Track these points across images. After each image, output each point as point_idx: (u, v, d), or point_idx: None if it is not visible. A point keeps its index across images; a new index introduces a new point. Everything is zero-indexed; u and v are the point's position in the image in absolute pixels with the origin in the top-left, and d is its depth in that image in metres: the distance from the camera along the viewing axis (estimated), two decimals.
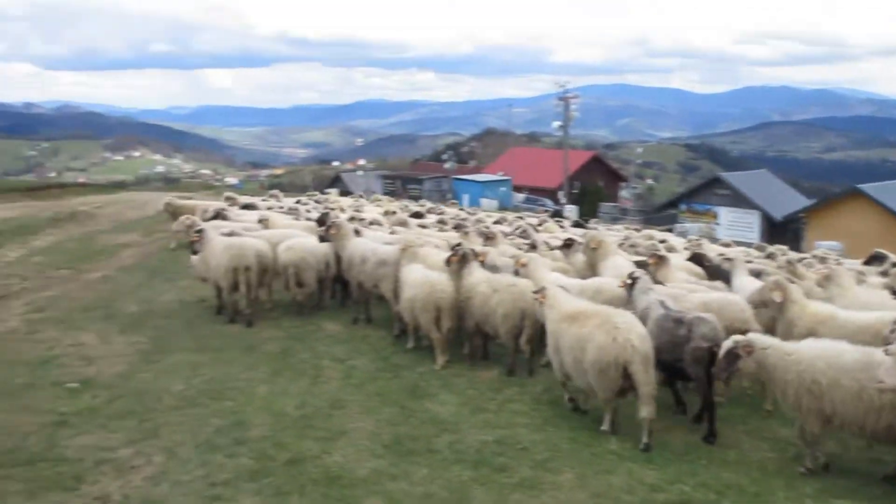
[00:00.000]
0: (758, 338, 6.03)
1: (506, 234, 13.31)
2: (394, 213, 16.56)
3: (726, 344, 6.02)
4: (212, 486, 5.41)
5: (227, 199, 18.09)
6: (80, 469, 5.52)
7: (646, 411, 6.23)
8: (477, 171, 65.33)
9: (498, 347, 8.77)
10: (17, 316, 10.04)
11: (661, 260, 9.22)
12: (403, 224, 14.03)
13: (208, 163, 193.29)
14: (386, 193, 43.36)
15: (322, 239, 10.30)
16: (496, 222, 17.51)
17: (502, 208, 41.39)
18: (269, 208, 16.56)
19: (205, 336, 9.44)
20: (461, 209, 22.37)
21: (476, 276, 8.44)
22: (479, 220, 16.54)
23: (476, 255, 8.80)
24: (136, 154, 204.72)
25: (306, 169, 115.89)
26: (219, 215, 13.89)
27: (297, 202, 18.57)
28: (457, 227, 13.47)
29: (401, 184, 57.98)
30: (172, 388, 7.42)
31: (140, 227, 19.20)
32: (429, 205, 22.03)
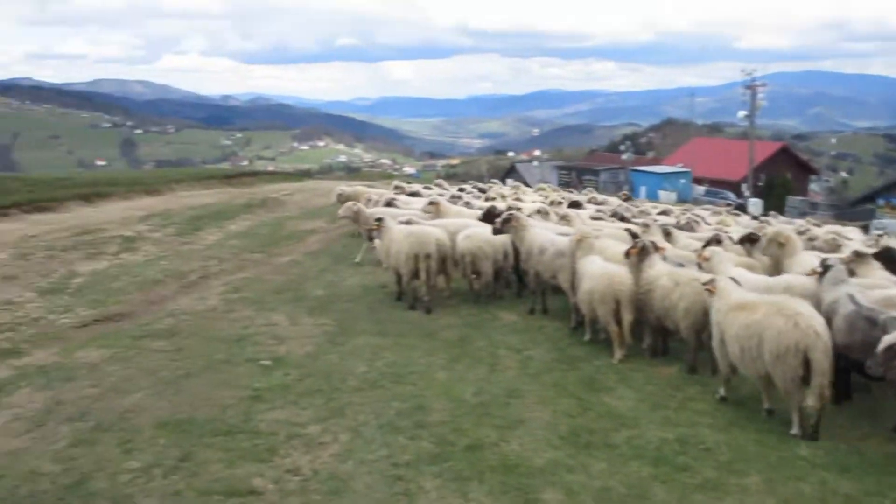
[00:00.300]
0: None
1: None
2: (559, 203, 17.55)
3: (887, 338, 6.30)
4: (394, 466, 6.31)
5: (396, 187, 20.85)
6: (274, 442, 6.69)
7: (813, 400, 6.68)
8: (655, 162, 71.11)
9: (678, 343, 9.39)
10: (217, 295, 12.02)
11: (859, 257, 9.37)
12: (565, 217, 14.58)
13: (388, 152, 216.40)
14: (561, 184, 46.09)
15: (496, 231, 11.38)
16: (661, 213, 18.28)
17: (681, 201, 43.22)
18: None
19: (386, 321, 10.83)
20: (625, 200, 22.49)
21: (657, 268, 9.17)
22: (642, 212, 17.67)
23: (656, 247, 9.53)
24: (321, 144, 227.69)
25: (482, 159, 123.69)
26: (389, 203, 16.03)
27: (460, 190, 20.94)
28: (615, 217, 14.81)
29: (576, 175, 62.69)
30: (356, 370, 8.62)
31: (325, 214, 21.46)
32: (591, 195, 22.52)
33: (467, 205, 16.07)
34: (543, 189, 24.76)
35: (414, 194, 19.19)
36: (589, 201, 19.96)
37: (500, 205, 14.97)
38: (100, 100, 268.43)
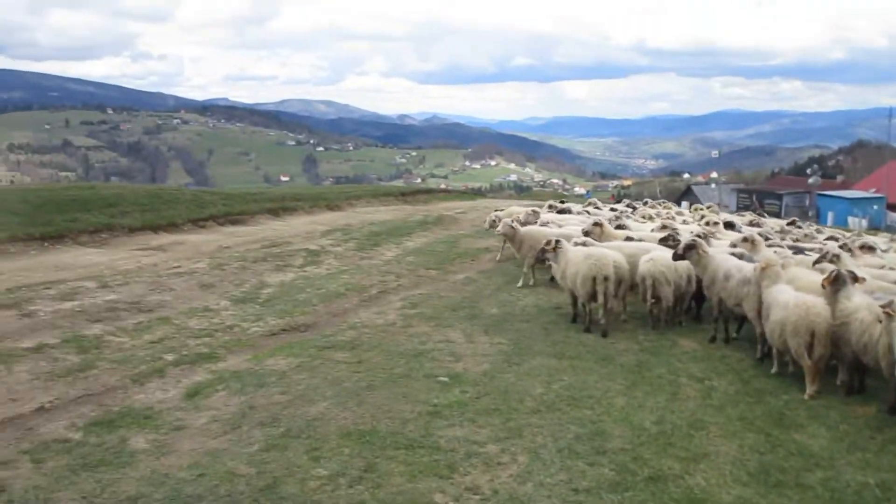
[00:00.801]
0: None
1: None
2: (716, 223, 16.70)
3: None
4: (574, 491, 6.22)
5: (549, 206, 21.02)
6: (453, 459, 6.78)
7: None
8: (845, 186, 68.18)
9: (877, 381, 8.72)
10: (395, 310, 12.38)
11: None
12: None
13: (559, 172, 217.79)
14: (740, 208, 44.21)
15: (677, 257, 11.05)
16: (828, 238, 16.35)
17: (873, 228, 40.77)
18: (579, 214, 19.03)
19: (561, 343, 10.75)
20: (790, 224, 20.59)
21: (855, 301, 8.53)
22: (807, 236, 16.63)
23: (855, 278, 8.91)
24: (493, 163, 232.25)
25: (655, 180, 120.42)
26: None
27: (611, 210, 20.57)
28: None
29: (756, 198, 61.13)
30: (533, 391, 8.60)
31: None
32: (749, 217, 21.12)
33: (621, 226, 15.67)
34: (699, 209, 23.65)
35: (564, 212, 19.23)
36: (750, 223, 18.93)
37: (682, 227, 14.54)
38: (286, 119, 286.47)
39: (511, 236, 14.56)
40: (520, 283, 14.58)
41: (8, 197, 19.85)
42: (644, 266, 11.28)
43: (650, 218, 18.93)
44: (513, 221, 15.08)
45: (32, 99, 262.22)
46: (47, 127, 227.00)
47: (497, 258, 17.30)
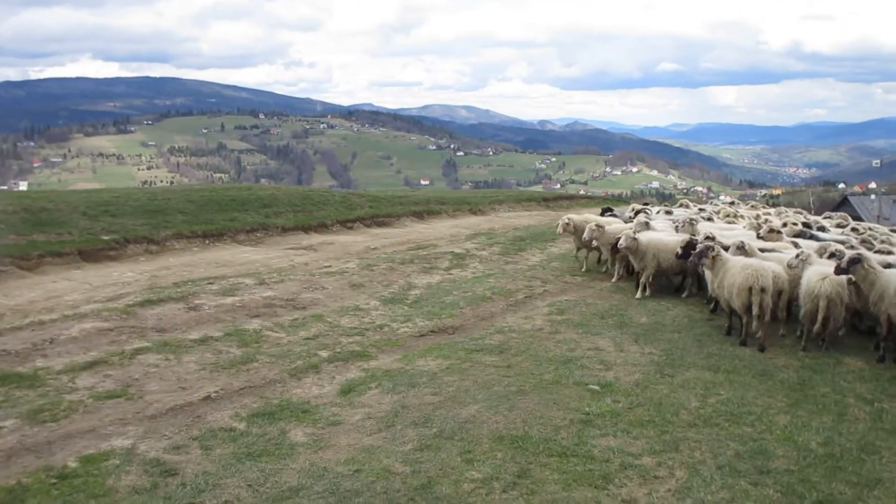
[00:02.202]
0: None
1: None
2: (794, 224, 16.05)
3: None
4: None
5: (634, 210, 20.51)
6: (608, 469, 6.64)
7: None
8: None
9: None
10: (542, 316, 12.31)
11: None
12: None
13: (703, 180, 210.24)
14: None
15: (840, 271, 10.36)
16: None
17: None
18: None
19: (715, 355, 10.35)
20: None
21: None
22: (864, 241, 14.28)
23: None
24: (634, 169, 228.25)
25: (808, 190, 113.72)
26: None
27: (700, 210, 20.40)
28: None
29: None
30: (688, 404, 8.31)
31: None
32: (840, 220, 19.28)
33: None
34: (784, 212, 21.79)
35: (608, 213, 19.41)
36: (838, 226, 17.74)
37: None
38: (428, 123, 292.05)
39: (633, 248, 14.06)
40: (638, 295, 14.07)
41: (175, 197, 21.17)
42: (818, 285, 10.60)
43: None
44: (634, 233, 14.43)
45: (192, 105, 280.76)
46: (205, 131, 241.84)
47: (582, 268, 16.88)
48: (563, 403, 8.21)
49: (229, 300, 12.25)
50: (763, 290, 10.59)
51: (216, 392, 8.39)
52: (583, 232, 15.95)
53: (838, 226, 17.91)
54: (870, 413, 8.26)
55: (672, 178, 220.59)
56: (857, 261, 10.23)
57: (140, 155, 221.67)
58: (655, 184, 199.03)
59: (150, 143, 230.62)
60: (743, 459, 6.91)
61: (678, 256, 12.78)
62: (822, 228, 16.46)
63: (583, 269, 16.70)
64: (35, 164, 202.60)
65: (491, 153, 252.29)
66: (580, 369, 9.45)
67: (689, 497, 6.17)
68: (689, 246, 12.39)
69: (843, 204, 70.28)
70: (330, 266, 15.62)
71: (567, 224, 16.62)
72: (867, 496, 6.27)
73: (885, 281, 10.09)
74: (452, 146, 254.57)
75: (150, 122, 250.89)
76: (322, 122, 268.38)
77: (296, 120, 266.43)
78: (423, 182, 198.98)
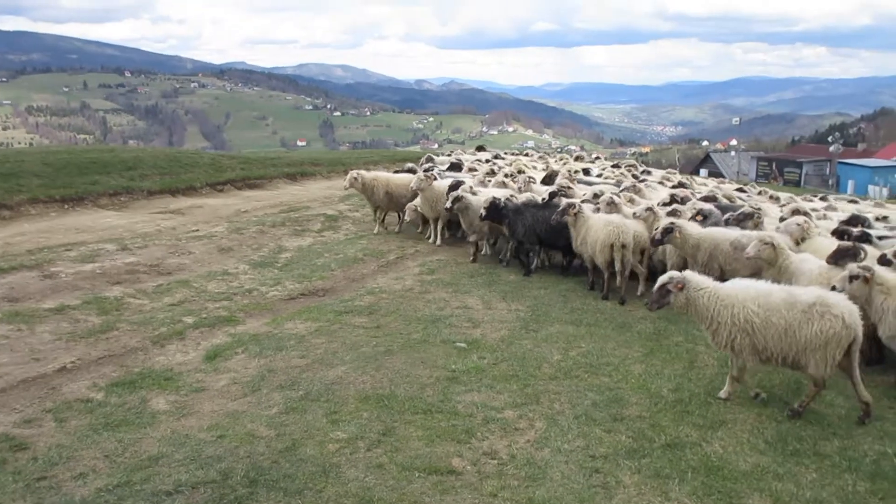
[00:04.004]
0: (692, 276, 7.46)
1: None
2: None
3: (661, 279, 7.46)
4: (591, 458, 6.23)
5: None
6: (471, 424, 6.80)
7: None
8: (867, 155, 68.15)
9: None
10: (413, 276, 12.40)
11: None
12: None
13: (576, 138, 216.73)
14: (760, 176, 44.15)
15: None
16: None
17: (894, 197, 41.47)
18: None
19: (579, 310, 10.76)
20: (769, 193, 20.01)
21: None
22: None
23: None
24: (510, 129, 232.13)
25: (674, 148, 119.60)
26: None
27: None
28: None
29: (776, 166, 61.50)
30: (551, 358, 8.61)
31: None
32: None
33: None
34: (671, 176, 22.64)
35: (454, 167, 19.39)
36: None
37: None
38: (304, 83, 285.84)
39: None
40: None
41: (29, 158, 19.89)
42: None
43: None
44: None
45: (51, 62, 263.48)
46: (66, 89, 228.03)
47: (375, 230, 16.27)
48: (430, 362, 8.33)
49: (88, 267, 11.73)
50: (624, 246, 11.06)
51: (72, 362, 8.04)
52: (371, 190, 15.61)
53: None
54: (717, 360, 8.72)
55: (547, 137, 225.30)
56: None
57: None
58: (531, 143, 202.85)
59: (5, 101, 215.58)
60: (599, 408, 7.22)
61: (482, 218, 12.73)
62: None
63: (375, 231, 16.14)
64: None
65: (368, 113, 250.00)
66: (448, 328, 9.60)
67: (546, 447, 6.40)
68: (492, 207, 12.49)
69: (706, 161, 73.97)
70: (198, 230, 15.18)
71: (355, 180, 15.58)
72: (711, 437, 6.67)
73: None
74: (329, 106, 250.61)
75: (3, 80, 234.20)
76: (193, 81, 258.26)
77: (165, 79, 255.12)
78: (299, 143, 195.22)
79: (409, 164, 19.29)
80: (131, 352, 8.48)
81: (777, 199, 17.22)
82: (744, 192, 19.28)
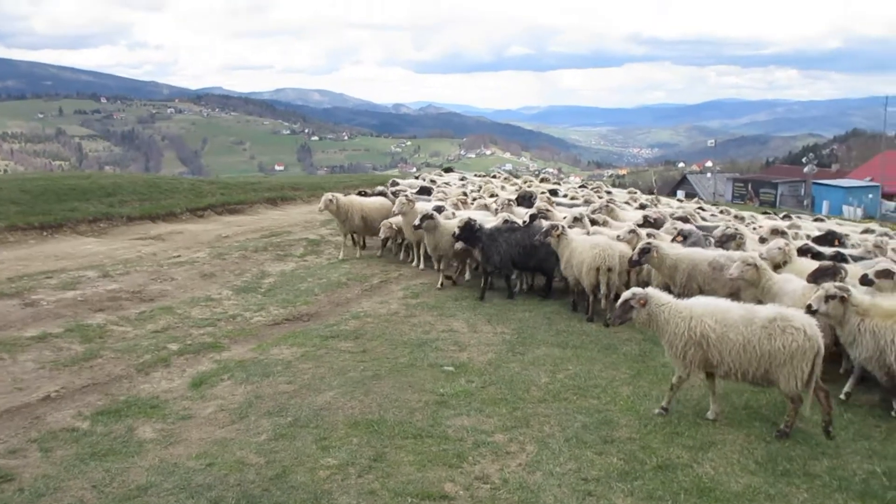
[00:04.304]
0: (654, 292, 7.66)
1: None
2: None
3: (624, 294, 7.69)
4: (584, 481, 6.23)
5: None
6: (462, 448, 6.78)
7: None
8: (840, 175, 69.23)
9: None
10: (397, 300, 12.41)
11: None
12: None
13: (554, 161, 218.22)
14: (736, 197, 45.14)
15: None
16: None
17: (867, 217, 41.90)
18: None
19: (564, 332, 10.80)
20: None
21: None
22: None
23: None
24: (488, 152, 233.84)
25: (651, 170, 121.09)
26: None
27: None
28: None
29: (752, 187, 62.74)
30: (539, 381, 8.64)
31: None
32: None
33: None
34: (633, 196, 23.20)
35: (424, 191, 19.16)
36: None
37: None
38: (281, 108, 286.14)
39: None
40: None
41: (6, 186, 19.73)
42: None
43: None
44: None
45: (26, 88, 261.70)
46: (41, 116, 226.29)
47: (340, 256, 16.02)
48: (419, 386, 8.31)
49: (70, 294, 11.62)
50: (610, 269, 11.13)
51: (56, 391, 7.94)
52: (346, 214, 15.37)
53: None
54: (704, 381, 8.79)
55: (525, 159, 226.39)
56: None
57: None
58: (509, 166, 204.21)
59: None
60: (589, 430, 7.23)
61: (455, 238, 12.48)
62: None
63: (341, 257, 15.86)
64: None
65: (346, 137, 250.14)
66: (435, 351, 9.60)
67: (538, 470, 6.39)
68: (467, 227, 12.37)
69: (682, 182, 74.86)
70: (179, 256, 15.09)
71: (330, 202, 15.33)
72: (702, 458, 6.68)
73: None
74: (307, 131, 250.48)
75: None
76: (169, 107, 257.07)
77: (141, 104, 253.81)
78: (277, 168, 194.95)
79: (379, 188, 19.24)
80: (116, 380, 8.38)
81: (742, 219, 17.60)
82: (703, 209, 19.81)
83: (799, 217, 20.92)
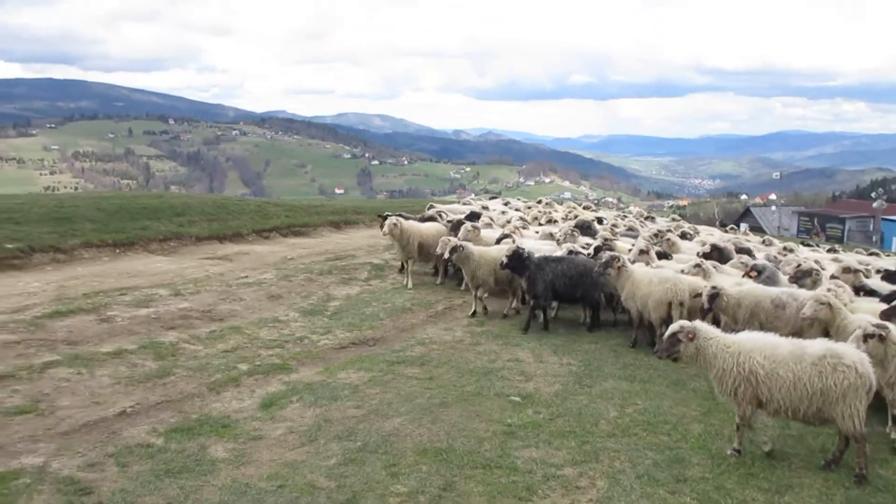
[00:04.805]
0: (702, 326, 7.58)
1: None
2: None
3: (672, 327, 7.64)
4: None
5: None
6: (531, 481, 6.74)
7: None
8: None
9: None
10: (462, 327, 12.44)
11: None
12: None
13: (613, 190, 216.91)
14: (801, 231, 44.00)
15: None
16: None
17: None
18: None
19: (631, 365, 10.67)
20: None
21: None
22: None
23: None
24: (547, 180, 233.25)
25: (713, 201, 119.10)
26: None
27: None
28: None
29: (818, 221, 61.39)
30: (607, 414, 8.53)
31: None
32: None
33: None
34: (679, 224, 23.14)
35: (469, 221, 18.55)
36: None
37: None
38: (343, 132, 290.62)
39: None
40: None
41: (83, 204, 20.40)
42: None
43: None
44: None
45: (99, 109, 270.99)
46: (111, 136, 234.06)
47: (408, 285, 15.72)
48: (486, 415, 8.29)
49: (143, 312, 11.89)
50: (682, 303, 10.94)
51: (132, 407, 8.13)
52: (407, 240, 15.37)
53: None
54: (777, 420, 8.53)
55: (584, 188, 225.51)
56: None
57: (42, 159, 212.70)
58: (567, 194, 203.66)
59: (53, 146, 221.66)
60: (661, 468, 7.11)
61: (503, 266, 12.41)
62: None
63: (409, 286, 15.56)
64: None
65: (406, 162, 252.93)
66: (501, 381, 9.56)
67: None
68: (516, 256, 12.30)
69: (745, 215, 73.50)
70: (247, 276, 15.34)
71: (394, 226, 15.26)
72: (779, 501, 6.53)
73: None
74: (367, 155, 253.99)
75: (52, 126, 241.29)
76: (234, 129, 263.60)
77: (207, 126, 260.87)
78: (337, 191, 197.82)
79: (430, 212, 19.32)
80: (188, 397, 8.55)
81: (790, 251, 17.50)
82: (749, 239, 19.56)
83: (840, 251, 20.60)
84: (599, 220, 20.72)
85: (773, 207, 75.68)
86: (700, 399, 9.23)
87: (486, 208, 22.21)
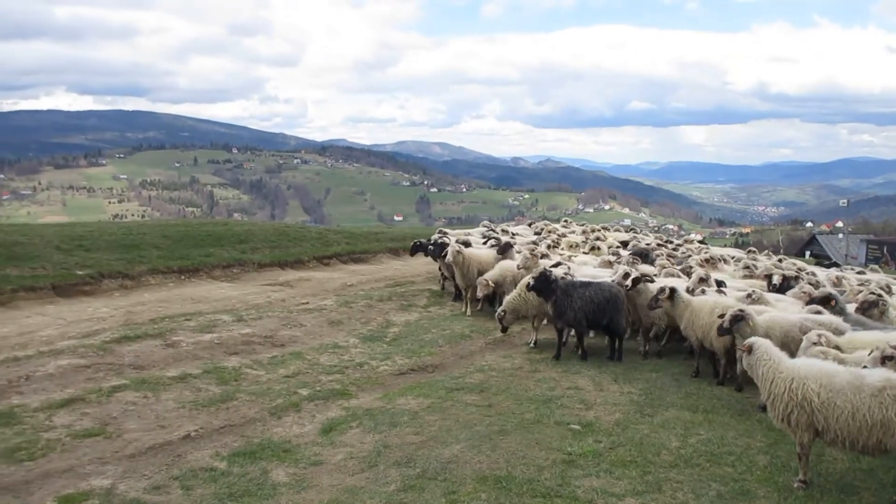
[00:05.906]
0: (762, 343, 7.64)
1: None
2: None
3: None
4: None
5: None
6: None
7: None
8: None
9: None
10: (521, 354, 12.40)
11: None
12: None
13: (674, 218, 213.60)
14: (870, 260, 42.82)
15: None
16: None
17: None
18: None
19: (694, 394, 10.47)
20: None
21: None
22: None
23: None
24: (606, 207, 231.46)
25: (777, 228, 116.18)
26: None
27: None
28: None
29: (887, 250, 59.41)
30: (669, 444, 8.39)
31: None
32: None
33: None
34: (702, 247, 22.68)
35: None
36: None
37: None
38: (402, 160, 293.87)
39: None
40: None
41: (150, 231, 21.02)
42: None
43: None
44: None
45: (165, 139, 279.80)
46: (177, 165, 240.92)
47: (466, 312, 15.77)
48: (546, 443, 8.23)
49: (207, 337, 12.17)
50: None
51: (196, 431, 8.31)
52: (467, 267, 15.39)
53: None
54: (847, 453, 8.34)
55: (644, 215, 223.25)
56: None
57: (111, 188, 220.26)
58: (627, 221, 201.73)
59: (122, 176, 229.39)
60: (725, 500, 6.97)
61: (529, 288, 12.27)
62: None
63: (467, 313, 15.63)
64: (4, 197, 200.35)
65: (464, 190, 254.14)
66: (561, 409, 9.49)
67: None
68: (542, 278, 12.12)
69: (811, 243, 71.65)
70: (307, 303, 15.57)
71: (458, 253, 15.35)
72: None
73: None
74: (426, 182, 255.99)
75: (121, 156, 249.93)
76: (296, 158, 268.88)
77: (269, 155, 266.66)
78: (396, 218, 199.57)
79: (465, 237, 19.19)
80: (250, 422, 8.70)
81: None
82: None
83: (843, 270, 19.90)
84: (625, 244, 20.54)
85: (840, 235, 73.41)
86: (766, 430, 8.97)
87: (505, 231, 22.15)
